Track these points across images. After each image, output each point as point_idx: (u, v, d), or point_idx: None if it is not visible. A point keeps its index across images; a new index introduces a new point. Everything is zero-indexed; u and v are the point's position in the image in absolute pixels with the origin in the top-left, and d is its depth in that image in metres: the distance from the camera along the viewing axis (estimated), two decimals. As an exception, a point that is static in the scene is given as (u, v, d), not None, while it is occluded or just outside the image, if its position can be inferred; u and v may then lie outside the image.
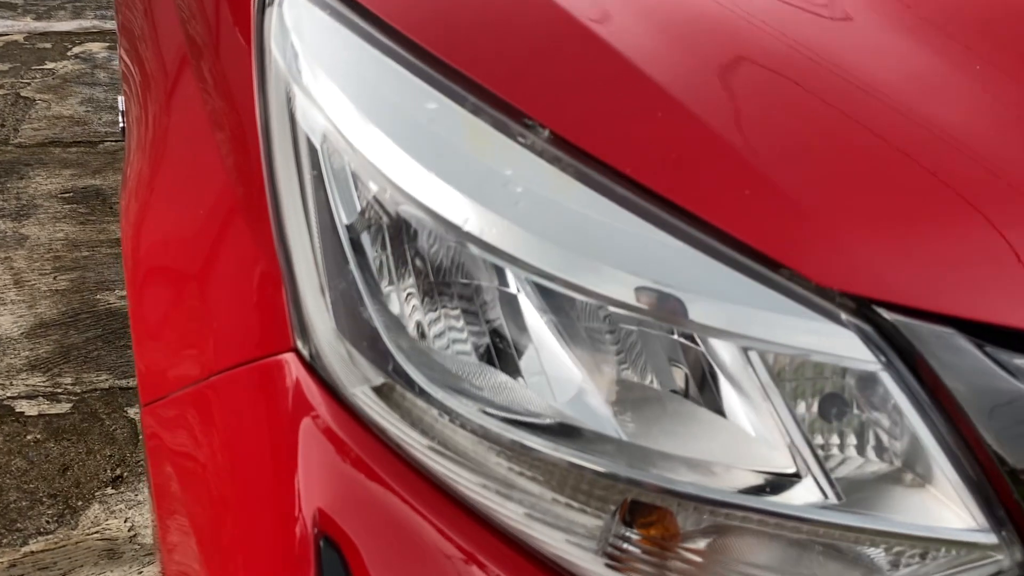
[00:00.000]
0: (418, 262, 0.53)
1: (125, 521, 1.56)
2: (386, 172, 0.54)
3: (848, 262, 0.48)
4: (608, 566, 0.49)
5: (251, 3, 0.67)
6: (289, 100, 0.60)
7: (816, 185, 0.52)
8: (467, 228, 0.51)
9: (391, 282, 0.54)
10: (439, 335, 0.53)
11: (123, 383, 1.90)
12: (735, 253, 0.48)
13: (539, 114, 0.53)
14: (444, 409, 0.51)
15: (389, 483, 0.53)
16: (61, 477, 1.64)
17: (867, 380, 0.47)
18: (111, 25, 4.27)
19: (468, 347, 0.52)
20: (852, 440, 0.48)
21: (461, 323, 0.52)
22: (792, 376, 0.48)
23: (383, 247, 0.55)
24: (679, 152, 0.53)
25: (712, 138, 0.53)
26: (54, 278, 2.26)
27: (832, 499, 0.47)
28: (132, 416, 1.80)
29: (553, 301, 0.50)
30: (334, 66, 0.59)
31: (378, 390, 0.53)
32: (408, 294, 0.54)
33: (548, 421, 0.50)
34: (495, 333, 0.52)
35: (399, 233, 0.54)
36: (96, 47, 3.98)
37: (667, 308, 0.48)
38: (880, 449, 0.48)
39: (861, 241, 0.49)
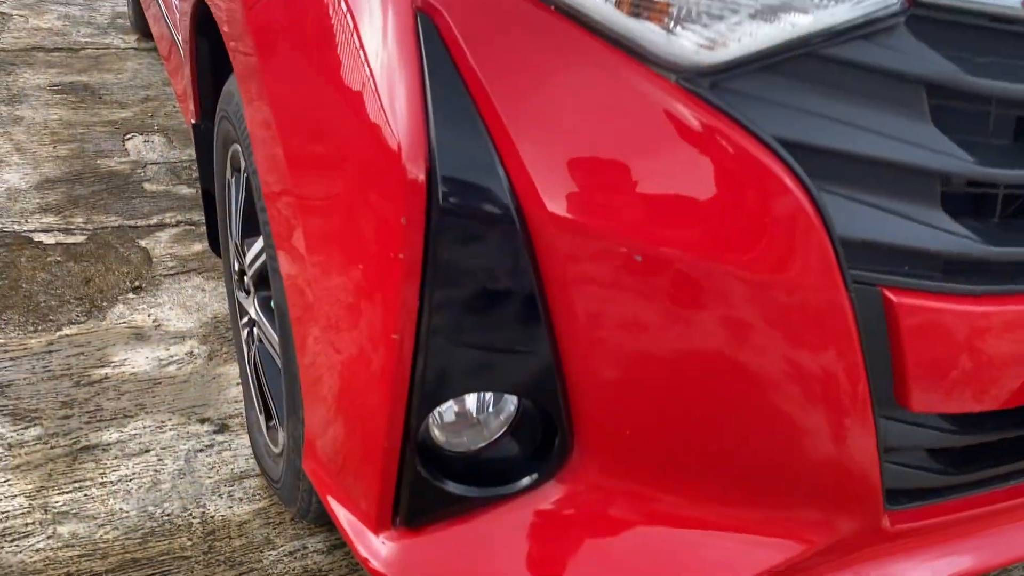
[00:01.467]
0: None
1: (149, 316, 1.71)
2: None
3: None
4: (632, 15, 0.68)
5: None
6: None
7: None
8: None
9: None
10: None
11: (131, 223, 2.05)
12: None
13: None
14: None
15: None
16: (84, 286, 1.79)
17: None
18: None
19: None
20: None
21: None
22: None
23: None
24: None
25: None
26: (54, 147, 2.39)
27: None
28: (143, 246, 1.95)
29: None
30: None
31: None
32: None
33: None
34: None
35: None
36: (67, -28, 4.06)
37: None
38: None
39: None
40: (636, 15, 0.68)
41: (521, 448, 0.83)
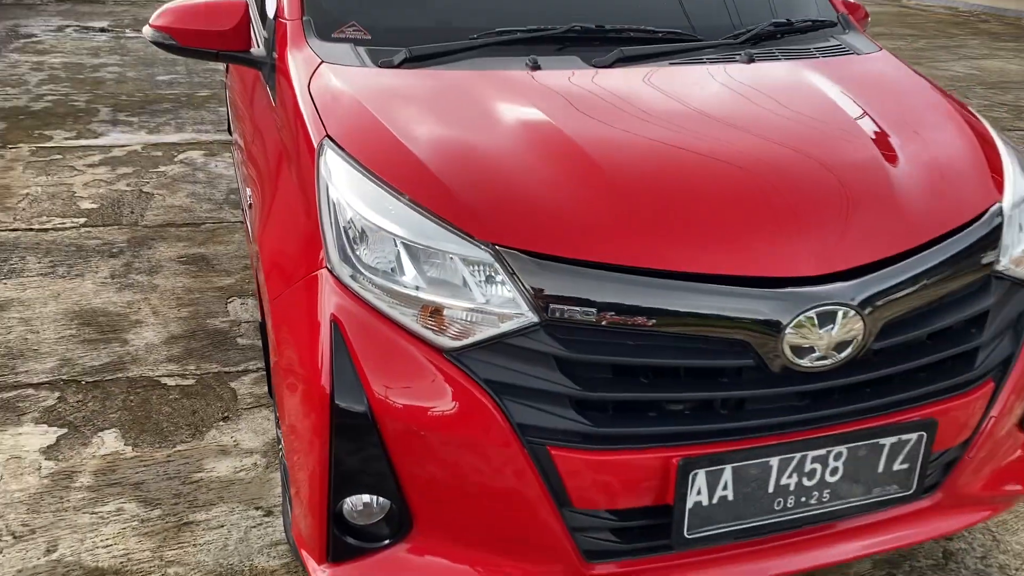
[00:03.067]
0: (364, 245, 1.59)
1: (231, 438, 2.61)
2: (363, 214, 1.61)
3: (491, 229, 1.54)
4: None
5: (312, 146, 1.77)
6: (327, 188, 1.68)
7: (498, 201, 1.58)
8: (391, 230, 1.57)
9: (356, 245, 1.60)
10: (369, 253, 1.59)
11: (226, 369, 2.97)
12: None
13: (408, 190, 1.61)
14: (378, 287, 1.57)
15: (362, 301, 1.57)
16: (192, 416, 2.71)
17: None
18: (206, 137, 5.54)
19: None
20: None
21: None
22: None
23: (356, 240, 1.61)
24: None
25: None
26: (178, 310, 3.38)
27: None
28: (232, 387, 2.87)
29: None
30: (340, 178, 1.68)
31: (353, 278, 1.59)
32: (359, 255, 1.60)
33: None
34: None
35: (362, 234, 1.60)
36: (196, 154, 5.23)
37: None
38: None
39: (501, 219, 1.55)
40: (426, 327, 1.53)
41: (388, 524, 1.64)
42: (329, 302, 1.60)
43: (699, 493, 1.58)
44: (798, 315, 1.54)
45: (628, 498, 1.59)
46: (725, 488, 1.59)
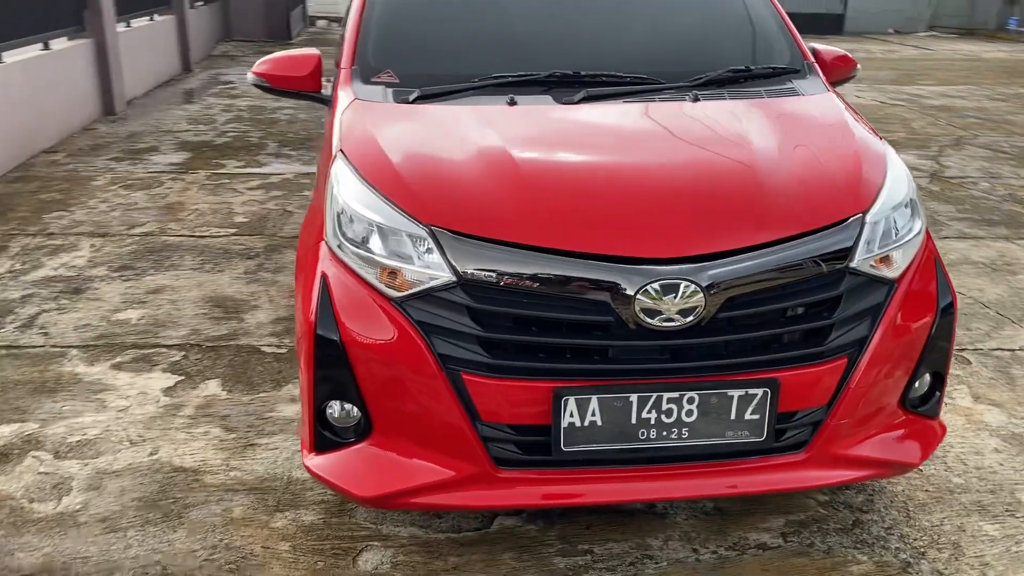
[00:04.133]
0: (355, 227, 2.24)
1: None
2: (351, 204, 2.26)
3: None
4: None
5: (331, 156, 2.46)
6: (332, 186, 2.35)
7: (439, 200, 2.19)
8: (368, 216, 2.21)
9: (344, 226, 2.25)
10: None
11: (312, 344, 3.71)
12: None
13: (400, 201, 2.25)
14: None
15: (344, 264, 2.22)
16: (277, 374, 3.44)
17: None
18: (346, 168, 6.44)
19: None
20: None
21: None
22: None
23: (344, 222, 2.26)
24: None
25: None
26: (290, 300, 4.17)
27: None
28: (313, 357, 3.59)
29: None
30: (340, 179, 2.34)
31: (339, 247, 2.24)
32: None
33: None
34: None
35: (349, 218, 2.25)
36: (334, 182, 6.13)
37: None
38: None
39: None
40: (382, 282, 2.16)
41: (356, 427, 2.26)
42: (322, 263, 2.27)
43: (572, 416, 2.10)
44: (644, 285, 2.05)
45: (520, 416, 2.13)
46: (594, 415, 2.11)
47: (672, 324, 2.08)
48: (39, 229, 5.18)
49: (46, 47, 7.29)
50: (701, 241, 2.13)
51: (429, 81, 2.75)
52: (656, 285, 2.05)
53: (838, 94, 2.90)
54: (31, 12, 6.99)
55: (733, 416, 2.16)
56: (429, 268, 2.13)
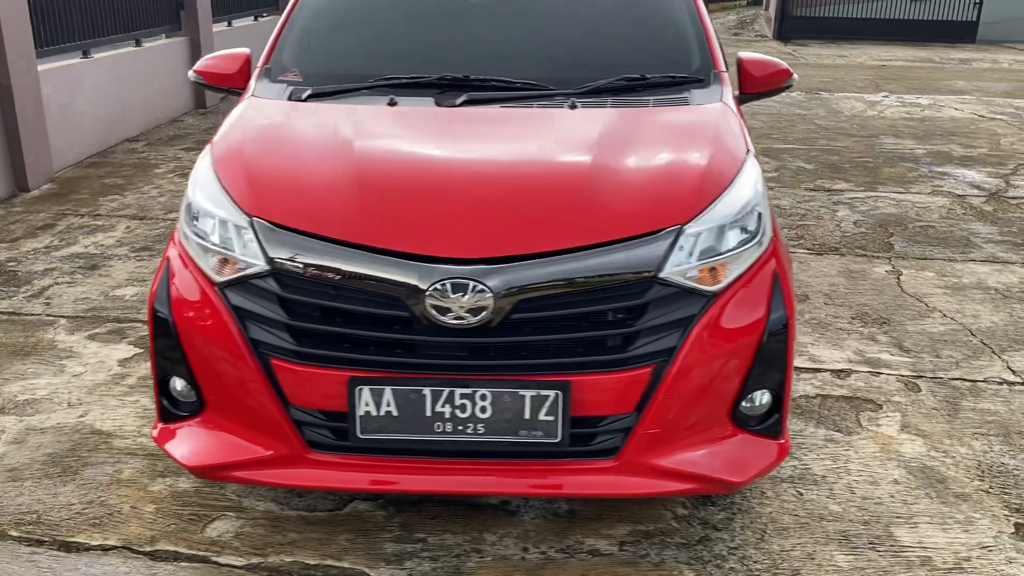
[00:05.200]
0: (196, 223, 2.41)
1: (239, 371, 3.54)
2: (198, 199, 2.42)
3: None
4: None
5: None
6: (191, 180, 2.53)
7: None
8: (210, 210, 2.38)
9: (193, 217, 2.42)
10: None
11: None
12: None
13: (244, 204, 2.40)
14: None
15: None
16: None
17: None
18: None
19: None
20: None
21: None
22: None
23: (193, 214, 2.43)
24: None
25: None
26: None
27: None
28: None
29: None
30: (197, 174, 2.51)
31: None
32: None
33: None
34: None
35: (197, 211, 2.42)
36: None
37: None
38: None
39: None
40: (211, 268, 2.32)
41: (191, 403, 2.42)
42: (170, 247, 2.45)
43: (367, 405, 2.19)
44: (435, 283, 2.11)
45: (324, 402, 2.24)
46: (388, 405, 2.19)
47: (462, 323, 2.14)
48: (90, 211, 5.66)
49: (138, 44, 7.90)
50: (498, 244, 2.17)
51: (329, 81, 2.90)
52: (446, 284, 2.12)
53: (737, 106, 2.85)
54: (128, 12, 7.60)
55: (527, 416, 2.19)
56: (247, 256, 2.27)
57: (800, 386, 3.44)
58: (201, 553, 2.49)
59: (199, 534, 2.57)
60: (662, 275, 2.20)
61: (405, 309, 2.16)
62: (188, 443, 2.41)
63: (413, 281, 2.13)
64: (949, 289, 4.49)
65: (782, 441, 2.43)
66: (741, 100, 3.11)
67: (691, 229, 2.25)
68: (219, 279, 2.30)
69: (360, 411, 2.21)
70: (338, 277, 2.19)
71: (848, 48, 15.29)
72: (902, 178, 6.70)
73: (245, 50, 3.21)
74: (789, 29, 16.56)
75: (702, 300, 2.24)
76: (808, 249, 5.09)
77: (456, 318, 2.13)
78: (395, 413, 2.21)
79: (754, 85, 3.07)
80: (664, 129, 2.62)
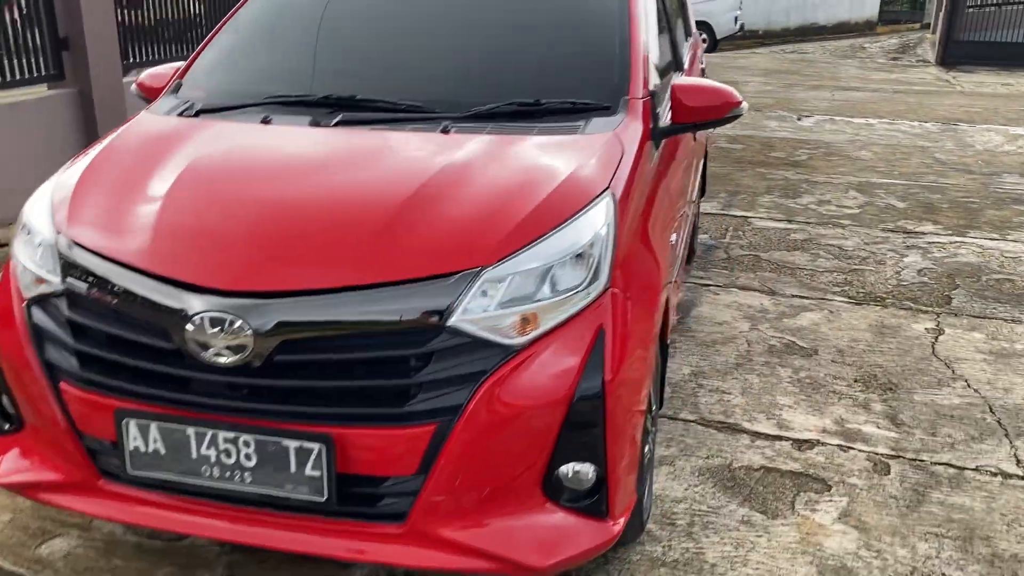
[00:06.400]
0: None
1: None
2: (31, 217, 2.38)
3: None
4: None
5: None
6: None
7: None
8: (33, 227, 2.32)
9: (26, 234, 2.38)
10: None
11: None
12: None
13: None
14: None
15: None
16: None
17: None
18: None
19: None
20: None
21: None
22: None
23: (27, 231, 2.40)
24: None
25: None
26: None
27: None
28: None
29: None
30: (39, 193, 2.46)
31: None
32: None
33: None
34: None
35: (23, 225, 2.38)
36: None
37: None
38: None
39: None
40: (27, 285, 2.27)
41: (10, 418, 2.36)
42: (11, 263, 2.43)
43: (136, 440, 2.07)
44: (193, 316, 1.97)
45: (102, 431, 2.13)
46: (156, 442, 2.06)
47: (222, 361, 1.98)
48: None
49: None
50: (267, 277, 2.00)
51: (230, 99, 2.82)
52: (206, 316, 1.97)
53: (644, 139, 2.53)
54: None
55: (293, 469, 2.00)
56: (48, 274, 2.21)
57: (747, 455, 3.04)
58: (20, 571, 2.45)
59: (32, 551, 2.53)
60: (451, 323, 1.96)
61: (171, 341, 2.02)
62: (7, 459, 2.37)
63: (176, 310, 2.00)
64: (991, 355, 3.88)
65: (609, 523, 2.11)
66: (671, 131, 2.78)
67: (494, 272, 1.99)
68: (27, 296, 2.25)
69: (129, 446, 2.09)
70: (114, 301, 2.09)
71: (1018, 76, 13.90)
72: (1005, 223, 5.93)
73: (181, 64, 3.18)
74: (954, 54, 15.25)
75: (499, 353, 1.98)
76: (849, 298, 4.55)
77: (216, 354, 1.98)
78: (162, 451, 2.07)
79: (686, 115, 2.73)
80: (517, 161, 2.35)
